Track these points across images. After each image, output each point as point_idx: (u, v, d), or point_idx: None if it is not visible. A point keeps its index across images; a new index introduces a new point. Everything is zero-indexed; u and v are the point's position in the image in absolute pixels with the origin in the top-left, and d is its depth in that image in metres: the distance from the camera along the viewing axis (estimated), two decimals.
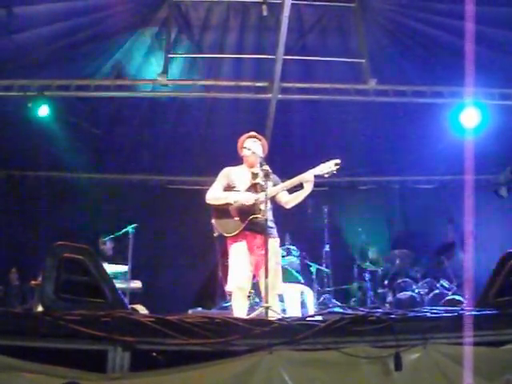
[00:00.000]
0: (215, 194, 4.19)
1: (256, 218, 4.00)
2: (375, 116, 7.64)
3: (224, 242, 4.25)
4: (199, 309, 6.20)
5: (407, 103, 6.71)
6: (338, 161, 3.92)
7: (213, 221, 4.18)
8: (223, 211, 4.13)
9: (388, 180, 8.62)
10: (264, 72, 6.73)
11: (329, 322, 2.71)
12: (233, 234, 4.06)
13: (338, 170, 3.91)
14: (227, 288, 4.15)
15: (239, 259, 4.03)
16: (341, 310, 4.10)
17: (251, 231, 4.05)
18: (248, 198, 4.05)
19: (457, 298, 6.06)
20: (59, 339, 2.56)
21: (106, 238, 6.50)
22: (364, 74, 6.38)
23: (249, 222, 4.02)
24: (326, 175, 3.94)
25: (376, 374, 2.61)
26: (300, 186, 4.06)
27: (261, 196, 3.99)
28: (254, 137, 4.36)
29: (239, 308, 3.97)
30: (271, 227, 4.08)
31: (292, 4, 5.44)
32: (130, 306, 4.24)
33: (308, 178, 3.94)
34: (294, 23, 6.34)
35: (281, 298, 4.98)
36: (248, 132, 4.40)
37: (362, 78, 6.42)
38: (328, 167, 3.92)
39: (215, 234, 4.28)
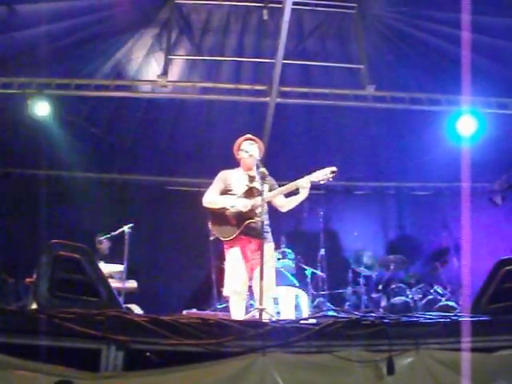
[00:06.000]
0: (212, 198, 4.18)
1: (251, 222, 4.01)
2: (373, 122, 7.68)
3: (220, 245, 4.26)
4: (194, 310, 6.20)
5: (405, 110, 6.74)
6: (335, 168, 3.92)
7: (209, 225, 4.18)
8: (220, 215, 4.12)
9: (384, 186, 8.64)
10: (263, 75, 6.75)
11: (322, 325, 2.72)
12: (229, 239, 4.06)
13: (333, 177, 3.93)
14: (224, 293, 4.16)
15: (235, 264, 4.04)
16: (335, 314, 4.10)
17: (246, 235, 4.05)
18: (245, 205, 4.04)
19: (450, 303, 6.08)
20: (53, 337, 2.55)
21: (103, 237, 6.48)
22: (362, 80, 6.41)
23: (244, 226, 4.03)
24: (322, 182, 3.96)
25: (368, 377, 2.62)
26: (296, 191, 4.08)
27: (257, 201, 3.99)
28: (251, 139, 4.37)
29: (237, 312, 3.98)
30: (266, 231, 4.09)
31: (292, 9, 5.46)
32: (124, 306, 4.24)
33: (304, 184, 3.96)
34: (294, 28, 6.37)
35: (275, 301, 5.00)
36: (245, 135, 4.42)
37: (360, 84, 6.44)
38: (324, 174, 3.93)
39: (211, 238, 4.29)
